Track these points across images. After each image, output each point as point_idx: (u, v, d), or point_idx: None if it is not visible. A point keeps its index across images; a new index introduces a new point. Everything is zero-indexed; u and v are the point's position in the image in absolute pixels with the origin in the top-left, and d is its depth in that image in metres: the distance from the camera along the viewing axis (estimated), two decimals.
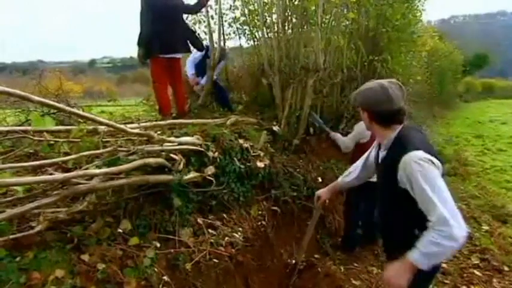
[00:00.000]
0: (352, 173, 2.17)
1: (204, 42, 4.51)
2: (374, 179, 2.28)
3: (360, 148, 3.11)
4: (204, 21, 4.79)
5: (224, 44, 4.69)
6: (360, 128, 3.19)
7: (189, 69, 4.64)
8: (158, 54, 3.64)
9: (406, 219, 1.60)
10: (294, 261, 2.69)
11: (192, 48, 4.12)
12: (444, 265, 3.20)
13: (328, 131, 3.71)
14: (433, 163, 1.45)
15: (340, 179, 2.27)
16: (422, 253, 1.37)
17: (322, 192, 2.27)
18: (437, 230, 1.34)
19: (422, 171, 1.42)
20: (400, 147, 1.52)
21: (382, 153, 1.70)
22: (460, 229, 1.32)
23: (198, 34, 4.58)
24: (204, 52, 4.39)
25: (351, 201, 3.40)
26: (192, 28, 4.55)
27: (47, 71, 3.78)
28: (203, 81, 4.55)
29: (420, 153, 1.45)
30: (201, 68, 4.59)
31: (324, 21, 4.03)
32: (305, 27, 3.92)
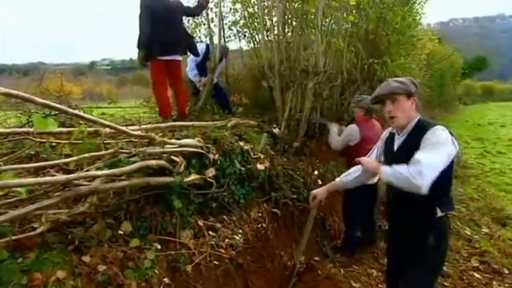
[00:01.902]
0: (351, 174, 2.21)
1: (203, 45, 4.54)
2: (373, 181, 2.32)
3: (350, 151, 3.14)
4: (205, 24, 4.82)
5: (226, 50, 4.71)
6: (351, 130, 3.22)
7: (190, 70, 4.65)
8: (158, 56, 3.65)
9: (428, 197, 1.64)
10: (293, 263, 2.69)
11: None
12: (444, 268, 3.20)
13: (326, 122, 3.77)
14: (452, 141, 1.64)
15: (338, 179, 2.30)
16: (392, 169, 1.67)
17: (318, 192, 2.30)
18: (416, 167, 1.56)
19: (439, 136, 1.63)
20: (425, 126, 1.71)
21: (401, 139, 1.84)
22: (422, 179, 1.53)
23: (196, 39, 4.60)
24: (205, 52, 4.41)
25: (351, 204, 3.41)
26: (190, 33, 4.56)
27: (47, 73, 3.79)
28: (204, 79, 4.57)
29: (443, 128, 1.67)
30: (202, 67, 4.61)
31: (324, 24, 4.05)
32: (305, 30, 3.94)
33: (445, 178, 1.68)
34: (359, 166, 2.16)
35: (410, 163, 1.60)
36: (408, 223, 1.86)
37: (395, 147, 1.87)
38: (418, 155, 1.59)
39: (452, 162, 1.67)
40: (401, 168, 1.61)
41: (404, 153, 1.74)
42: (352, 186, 2.25)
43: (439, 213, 1.73)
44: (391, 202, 2.00)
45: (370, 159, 2.03)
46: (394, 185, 1.66)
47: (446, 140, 1.62)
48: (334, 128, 3.56)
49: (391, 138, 1.94)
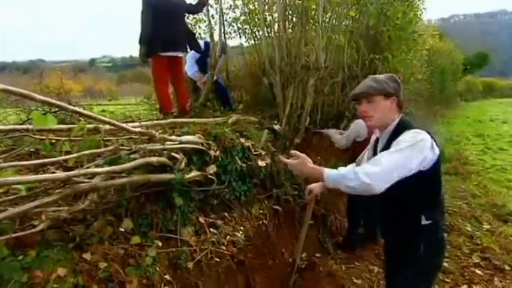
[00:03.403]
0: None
1: (201, 42, 4.52)
2: None
3: (359, 148, 3.12)
4: (205, 21, 4.80)
5: (225, 41, 4.69)
6: (357, 126, 3.19)
7: (190, 67, 4.63)
8: (160, 52, 3.64)
9: (412, 207, 1.62)
10: (293, 259, 2.70)
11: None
12: (445, 264, 3.20)
13: (320, 131, 3.77)
14: (430, 145, 1.52)
15: None
16: (338, 173, 1.52)
17: (314, 186, 2.29)
18: (365, 170, 1.44)
19: (410, 140, 1.50)
20: (404, 127, 1.60)
21: (383, 141, 1.74)
22: (374, 179, 1.42)
23: (197, 35, 4.58)
24: (204, 49, 4.39)
25: (354, 201, 3.40)
26: (191, 29, 4.55)
27: (47, 70, 3.78)
28: (205, 77, 4.56)
29: (419, 131, 1.54)
30: (202, 64, 4.59)
31: (325, 20, 4.03)
32: (306, 26, 3.92)
33: (427, 185, 1.60)
34: (354, 164, 2.16)
35: (367, 162, 1.54)
36: (396, 231, 1.81)
37: (378, 150, 1.77)
38: (379, 155, 1.51)
39: (433, 169, 1.55)
40: (347, 172, 1.49)
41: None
42: None
43: (424, 221, 1.64)
44: (381, 208, 1.91)
45: (295, 162, 1.68)
46: (343, 190, 1.52)
47: (418, 144, 1.49)
48: (332, 131, 3.56)
49: (376, 141, 1.86)
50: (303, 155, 1.67)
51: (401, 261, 1.75)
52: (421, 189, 1.57)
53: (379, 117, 1.68)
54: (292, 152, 1.71)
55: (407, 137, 1.52)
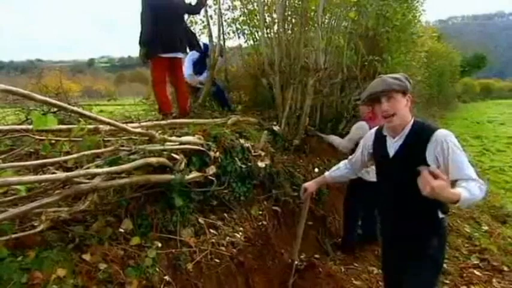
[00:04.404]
0: (341, 169, 2.26)
1: (202, 42, 4.52)
2: (372, 179, 2.30)
3: None
4: (203, 22, 4.79)
5: (224, 43, 4.69)
6: (359, 129, 3.19)
7: (187, 68, 4.63)
8: (160, 53, 3.63)
9: (430, 202, 1.55)
10: (292, 260, 2.70)
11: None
12: (444, 265, 3.21)
13: (320, 135, 3.78)
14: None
15: (327, 173, 2.34)
16: (470, 193, 1.45)
17: (309, 185, 2.33)
18: (479, 183, 1.49)
19: (456, 144, 1.56)
20: (425, 129, 1.63)
21: (397, 144, 1.73)
22: (483, 193, 1.49)
23: (195, 35, 4.58)
24: (203, 50, 4.39)
25: (351, 201, 3.40)
26: (191, 29, 4.55)
27: (45, 70, 3.77)
28: (202, 77, 4.56)
29: (447, 131, 1.61)
30: (199, 66, 4.59)
31: (324, 21, 4.03)
32: (305, 27, 3.92)
33: None
34: (345, 161, 2.24)
35: (465, 180, 1.50)
36: (411, 228, 1.79)
37: (391, 153, 1.75)
38: (467, 171, 1.53)
39: None
40: (475, 190, 1.48)
41: (403, 161, 1.68)
42: (341, 180, 2.27)
43: (441, 215, 1.70)
44: (391, 208, 1.89)
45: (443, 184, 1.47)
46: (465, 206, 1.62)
47: (456, 141, 1.58)
48: (332, 137, 3.57)
49: (382, 141, 1.82)
50: (445, 177, 1.41)
51: (416, 256, 1.77)
52: None
53: (401, 115, 1.66)
54: (433, 169, 1.43)
55: (452, 140, 1.57)
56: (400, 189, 1.73)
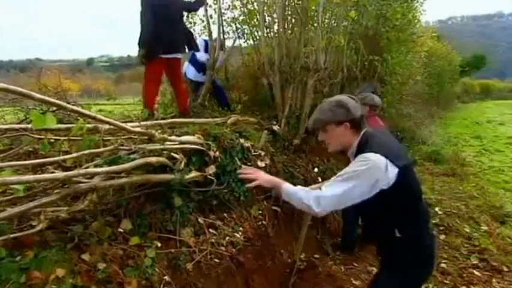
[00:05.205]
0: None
1: (201, 41, 4.51)
2: None
3: None
4: (203, 21, 4.78)
5: (224, 41, 4.68)
6: None
7: (187, 67, 4.62)
8: (160, 54, 3.61)
9: (384, 221, 1.64)
10: (292, 260, 2.69)
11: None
12: (444, 265, 3.21)
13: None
14: (384, 167, 1.45)
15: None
16: (293, 190, 1.59)
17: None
18: (319, 194, 1.52)
19: (358, 167, 1.48)
20: (359, 150, 1.59)
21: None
22: (319, 208, 1.51)
23: (194, 35, 4.57)
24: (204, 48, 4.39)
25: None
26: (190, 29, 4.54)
27: (44, 69, 3.75)
28: (202, 78, 4.56)
29: (371, 155, 1.48)
30: (199, 64, 4.59)
31: (324, 20, 4.03)
32: (305, 27, 3.92)
33: (397, 201, 1.55)
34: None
35: (323, 185, 1.60)
36: (378, 243, 1.87)
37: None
38: (328, 183, 1.57)
39: (397, 186, 1.47)
40: (302, 193, 1.56)
41: None
42: None
43: (398, 234, 1.62)
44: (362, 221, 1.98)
45: (270, 176, 1.80)
46: (293, 204, 1.61)
47: (364, 172, 1.45)
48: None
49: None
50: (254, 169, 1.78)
51: (389, 269, 1.77)
52: (390, 204, 1.54)
53: (335, 143, 1.71)
54: (244, 167, 1.77)
55: (356, 165, 1.50)
56: (360, 208, 1.71)
